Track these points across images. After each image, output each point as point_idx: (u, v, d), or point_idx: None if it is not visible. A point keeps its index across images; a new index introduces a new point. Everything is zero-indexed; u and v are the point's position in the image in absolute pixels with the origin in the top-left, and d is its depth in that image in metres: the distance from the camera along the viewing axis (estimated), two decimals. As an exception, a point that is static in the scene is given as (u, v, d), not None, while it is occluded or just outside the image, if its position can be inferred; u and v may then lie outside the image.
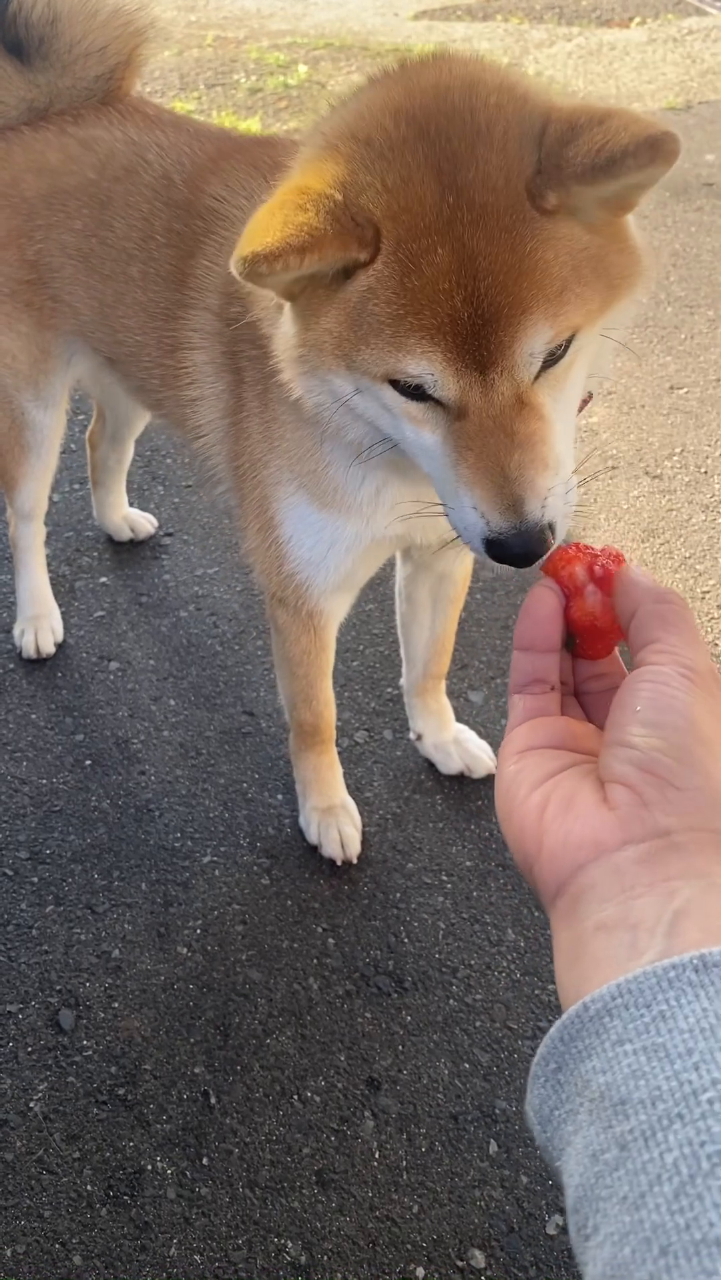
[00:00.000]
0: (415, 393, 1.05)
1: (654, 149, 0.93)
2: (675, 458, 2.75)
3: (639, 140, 0.93)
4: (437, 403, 1.04)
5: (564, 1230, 1.38)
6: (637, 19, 6.22)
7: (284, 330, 1.16)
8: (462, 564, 1.79)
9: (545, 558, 0.85)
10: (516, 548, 1.01)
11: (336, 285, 1.05)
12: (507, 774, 0.63)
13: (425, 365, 1.01)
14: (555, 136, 0.98)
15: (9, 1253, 1.36)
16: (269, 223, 0.99)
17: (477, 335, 0.99)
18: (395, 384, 1.05)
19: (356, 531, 1.44)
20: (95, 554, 2.46)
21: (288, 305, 1.13)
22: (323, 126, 1.12)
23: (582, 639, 0.74)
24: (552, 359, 1.03)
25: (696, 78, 5.31)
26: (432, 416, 1.06)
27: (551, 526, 1.02)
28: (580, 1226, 0.46)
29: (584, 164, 0.96)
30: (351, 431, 1.20)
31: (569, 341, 1.04)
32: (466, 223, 0.98)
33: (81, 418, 2.62)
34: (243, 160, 1.57)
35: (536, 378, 1.03)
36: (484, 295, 0.98)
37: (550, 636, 0.71)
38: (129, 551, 2.47)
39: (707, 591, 2.36)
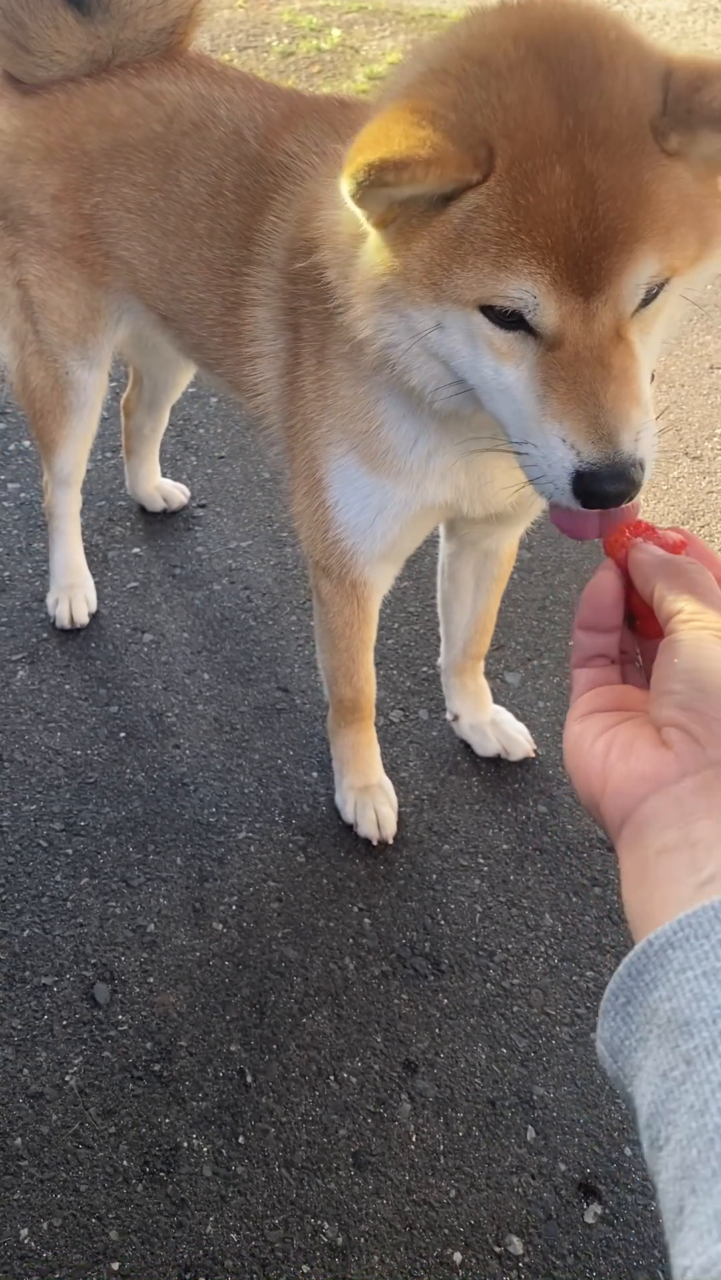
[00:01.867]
0: (508, 321, 1.02)
1: None
2: (715, 439, 2.71)
3: None
4: (529, 334, 1.02)
5: (602, 1220, 1.38)
6: (677, -12, 6.10)
7: (365, 261, 1.13)
8: (508, 542, 1.76)
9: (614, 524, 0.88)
10: (608, 481, 0.98)
11: (435, 210, 1.02)
12: (573, 732, 0.69)
13: (530, 287, 0.99)
14: (684, 81, 0.98)
15: (45, 1226, 1.35)
16: (386, 134, 0.97)
17: (589, 259, 0.97)
18: (488, 312, 1.02)
19: (405, 497, 1.42)
20: (128, 524, 2.44)
21: (373, 235, 1.10)
22: (424, 54, 1.09)
23: (643, 620, 0.76)
24: (646, 300, 1.02)
25: (737, 50, 5.20)
26: (520, 349, 1.03)
27: (642, 464, 0.99)
28: (653, 1140, 0.50)
29: (718, 110, 0.95)
30: (419, 374, 1.16)
31: (662, 286, 1.02)
32: (587, 146, 0.96)
33: (115, 385, 2.58)
34: (318, 118, 1.53)
35: (630, 317, 1.01)
36: (601, 218, 0.96)
37: (612, 619, 0.76)
38: (162, 522, 2.45)
39: (748, 576, 2.32)
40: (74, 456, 2.02)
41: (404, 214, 1.05)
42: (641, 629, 0.77)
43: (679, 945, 0.52)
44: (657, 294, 1.03)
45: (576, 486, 1.00)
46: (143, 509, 2.46)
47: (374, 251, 1.11)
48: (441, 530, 1.80)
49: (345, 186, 1.00)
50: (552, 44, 1.00)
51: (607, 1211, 1.39)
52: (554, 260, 0.97)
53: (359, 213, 1.07)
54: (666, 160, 0.99)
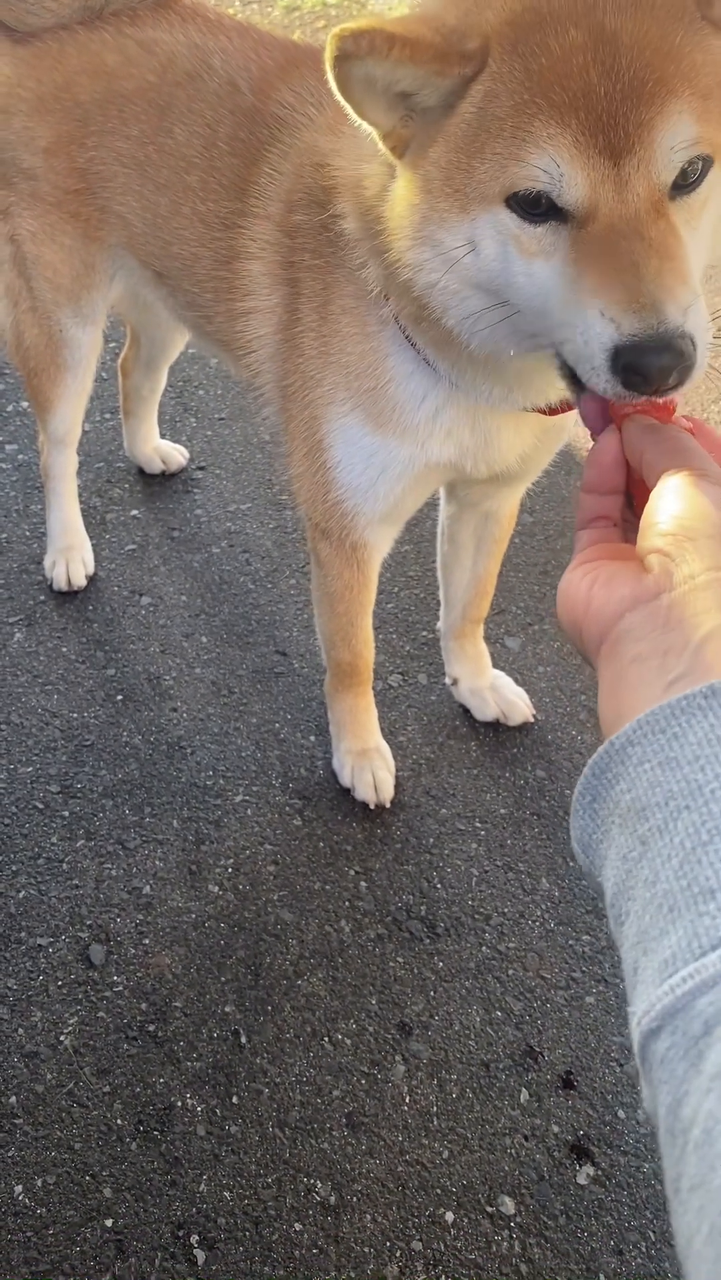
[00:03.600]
0: (534, 212, 0.95)
1: None
2: (718, 406, 2.67)
3: None
4: (560, 224, 0.95)
5: (594, 1181, 1.38)
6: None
7: (396, 193, 1.09)
8: (509, 504, 1.74)
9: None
10: (652, 354, 0.87)
11: (444, 119, 0.98)
12: (566, 578, 0.71)
13: (552, 151, 0.91)
14: None
15: (40, 1183, 1.36)
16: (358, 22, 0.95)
17: (614, 114, 0.89)
18: (513, 205, 0.96)
19: (410, 455, 1.39)
20: (126, 486, 2.42)
21: (397, 166, 1.06)
22: None
23: (640, 499, 0.75)
24: (686, 186, 0.94)
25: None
26: (550, 241, 0.96)
27: (691, 338, 0.88)
28: (616, 917, 0.54)
29: None
30: (456, 311, 1.09)
31: (705, 170, 0.94)
32: (610, 9, 0.91)
33: (113, 345, 2.55)
34: (313, 68, 1.49)
35: (671, 199, 0.93)
36: (625, 69, 0.89)
37: (614, 480, 0.77)
38: (160, 484, 2.43)
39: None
40: (69, 416, 1.99)
41: (418, 132, 1.01)
42: (638, 508, 0.75)
43: (637, 741, 0.55)
44: (700, 181, 0.95)
45: (616, 362, 0.89)
46: (141, 471, 2.44)
47: (400, 183, 1.07)
48: (441, 493, 1.77)
49: (330, 80, 0.97)
50: None
51: (600, 1173, 1.39)
52: (574, 118, 0.90)
53: (365, 127, 1.03)
54: (708, 31, 0.93)
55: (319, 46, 1.61)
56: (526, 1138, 1.42)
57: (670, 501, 0.67)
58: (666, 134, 0.90)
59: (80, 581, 2.14)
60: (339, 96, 0.99)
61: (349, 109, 1.00)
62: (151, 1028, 1.51)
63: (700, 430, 0.76)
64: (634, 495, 0.77)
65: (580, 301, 0.93)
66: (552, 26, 0.91)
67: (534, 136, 0.92)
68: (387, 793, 1.79)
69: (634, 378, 0.88)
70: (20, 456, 2.47)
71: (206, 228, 1.56)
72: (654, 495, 0.69)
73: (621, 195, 0.91)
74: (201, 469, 2.47)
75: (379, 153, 1.11)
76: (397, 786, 1.81)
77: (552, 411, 1.31)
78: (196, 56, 1.59)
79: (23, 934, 1.61)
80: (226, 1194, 1.36)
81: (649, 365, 0.87)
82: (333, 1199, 1.36)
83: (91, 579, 2.17)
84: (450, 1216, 1.35)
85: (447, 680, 1.96)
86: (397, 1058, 1.49)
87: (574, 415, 1.39)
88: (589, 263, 0.93)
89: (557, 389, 1.23)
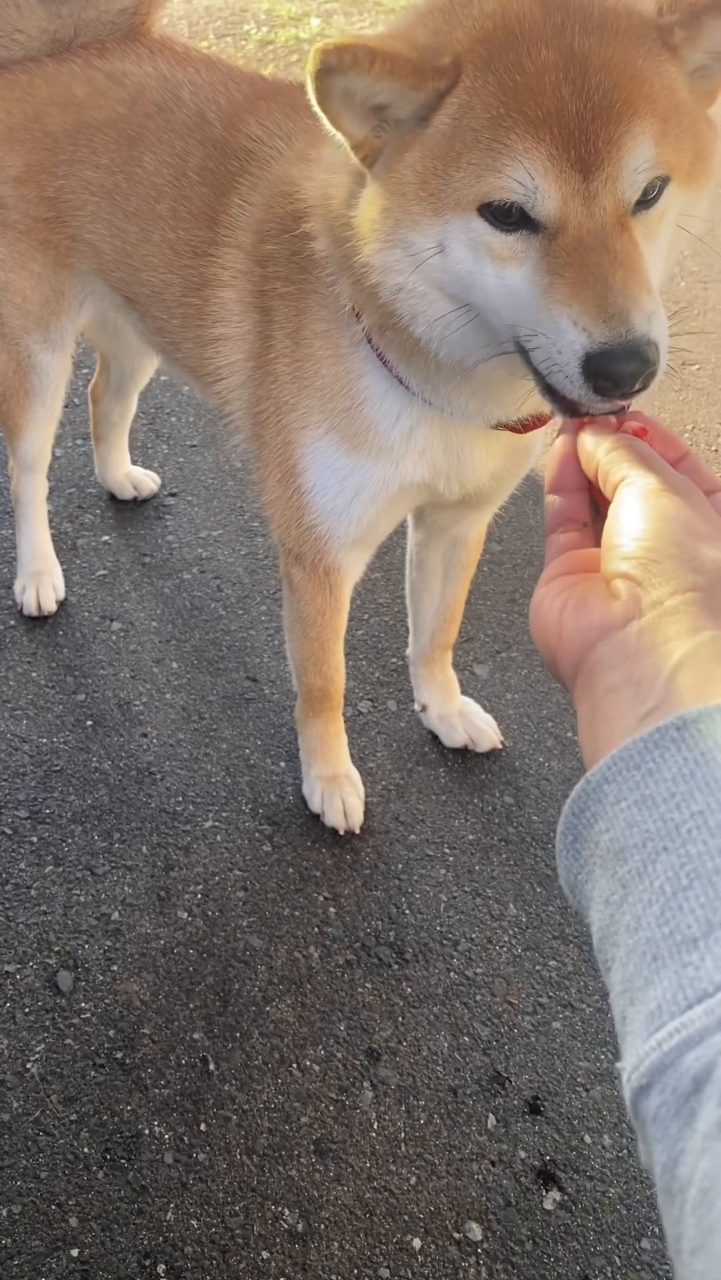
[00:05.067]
0: (506, 221, 1.00)
1: None
2: (687, 435, 2.72)
3: None
4: (530, 231, 1.00)
5: (561, 1206, 1.39)
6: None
7: (365, 199, 1.12)
8: (476, 529, 1.77)
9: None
10: (622, 360, 0.93)
11: (419, 130, 1.03)
12: (539, 595, 0.71)
13: (526, 165, 0.96)
14: None
15: (4, 1212, 1.35)
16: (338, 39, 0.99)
17: (585, 131, 0.95)
18: (486, 213, 1.01)
19: (384, 476, 1.41)
20: (98, 511, 2.43)
21: (367, 174, 1.10)
22: (415, 5, 1.12)
23: (602, 504, 0.76)
24: (646, 201, 1.00)
25: None
26: (522, 249, 1.01)
27: (656, 345, 0.94)
28: (604, 962, 0.53)
29: None
30: (424, 316, 1.13)
31: (662, 188, 1.01)
32: (578, 32, 0.96)
33: (85, 371, 2.57)
34: (281, 102, 1.53)
35: (633, 214, 0.99)
36: (594, 90, 0.94)
37: (577, 476, 0.78)
38: (132, 510, 2.43)
39: (715, 571, 2.34)
40: (38, 441, 2.00)
41: (391, 141, 1.05)
42: (603, 514, 0.76)
43: (612, 779, 0.55)
44: (658, 197, 1.01)
45: (587, 369, 0.95)
46: (113, 496, 2.45)
47: (370, 189, 1.11)
48: (409, 520, 1.80)
49: (309, 93, 1.00)
50: None
51: (566, 1198, 1.40)
52: (548, 133, 0.95)
53: (339, 138, 1.06)
54: (665, 56, 0.99)
55: (285, 82, 1.65)
56: (493, 1163, 1.42)
57: (629, 520, 0.67)
58: (632, 153, 0.96)
59: (50, 607, 2.14)
60: (316, 108, 1.02)
61: (325, 120, 1.04)
62: (119, 1055, 1.50)
63: (651, 429, 0.77)
64: (597, 500, 0.78)
65: (552, 310, 0.98)
66: (525, 46, 0.96)
67: (510, 149, 0.97)
68: (357, 819, 1.80)
69: (604, 383, 0.95)
70: (-9, 481, 2.47)
71: (176, 255, 1.58)
72: (612, 511, 0.69)
73: (590, 209, 0.97)
74: (173, 495, 2.48)
75: (347, 163, 1.16)
76: (367, 812, 1.82)
77: (524, 428, 1.34)
78: (165, 88, 1.62)
79: (-11, 961, 1.60)
80: (194, 1222, 1.35)
81: (619, 371, 0.94)
82: (300, 1226, 1.36)
83: (62, 604, 2.17)
84: (417, 1243, 1.35)
85: (417, 707, 1.98)
86: (365, 1084, 1.49)
87: (541, 435, 1.42)
88: (559, 273, 0.98)
89: (529, 404, 1.26)
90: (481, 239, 1.02)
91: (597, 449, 0.76)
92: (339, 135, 1.06)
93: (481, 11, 1.00)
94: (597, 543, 0.75)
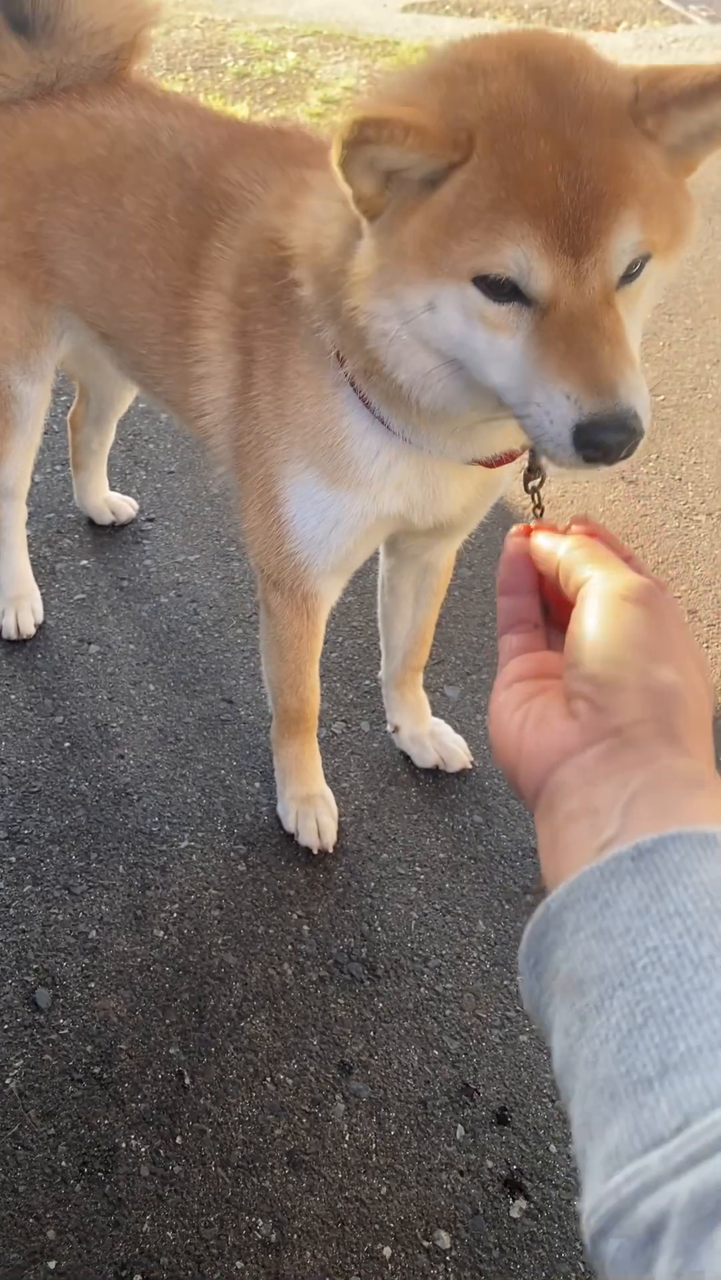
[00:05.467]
0: (500, 292, 1.07)
1: None
2: (650, 464, 2.80)
3: None
4: (522, 304, 1.07)
5: (527, 1214, 1.43)
6: (625, 24, 6.27)
7: (362, 252, 1.18)
8: (446, 555, 1.82)
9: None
10: (610, 431, 1.02)
11: (425, 193, 1.09)
12: (496, 702, 0.72)
13: (524, 249, 1.04)
14: (649, 75, 1.08)
15: (-17, 1226, 1.37)
16: (373, 107, 1.05)
17: (577, 220, 1.02)
18: (481, 284, 1.07)
19: (362, 508, 1.47)
20: (76, 536, 2.47)
21: (366, 227, 1.16)
22: (413, 68, 1.18)
23: (557, 608, 0.78)
24: (629, 275, 1.08)
25: (680, 86, 5.36)
26: (514, 320, 1.08)
27: (640, 417, 1.03)
28: (564, 1092, 0.54)
29: (686, 88, 1.05)
30: (408, 366, 1.20)
31: (644, 264, 1.09)
32: (569, 124, 1.04)
33: (64, 399, 2.62)
34: (258, 148, 1.58)
35: (616, 289, 1.07)
36: (586, 182, 1.02)
37: (528, 579, 0.79)
38: (110, 535, 2.48)
39: (679, 596, 2.41)
40: (18, 469, 2.05)
41: (395, 201, 1.11)
42: (555, 619, 0.78)
43: (570, 907, 0.56)
44: (639, 272, 1.09)
45: (578, 439, 1.04)
46: (91, 522, 2.49)
47: (368, 243, 1.16)
48: (382, 546, 1.85)
49: (334, 153, 1.05)
50: (531, 53, 1.09)
51: (532, 1206, 1.44)
52: (544, 221, 1.03)
53: (348, 192, 1.11)
54: (645, 141, 1.07)
55: (261, 127, 1.71)
56: (462, 1173, 1.46)
57: (591, 634, 0.66)
58: (619, 239, 1.04)
59: (29, 630, 2.18)
60: (335, 166, 1.08)
61: (339, 175, 1.10)
62: (97, 1070, 1.53)
63: (599, 533, 0.78)
64: (550, 603, 0.79)
65: (544, 382, 1.06)
66: (525, 134, 1.04)
67: (509, 233, 1.04)
68: (331, 838, 1.84)
69: (593, 452, 1.04)
70: (-29, 506, 2.50)
71: (156, 294, 1.63)
72: (575, 616, 0.69)
73: (580, 289, 1.05)
74: (151, 520, 2.53)
75: (339, 217, 1.22)
76: (340, 832, 1.86)
77: (496, 463, 1.40)
78: (145, 132, 1.67)
79: (-32, 978, 1.63)
80: (169, 1233, 1.38)
81: (607, 441, 1.03)
82: (274, 1236, 1.39)
83: (40, 628, 2.21)
84: (388, 1251, 1.39)
85: (389, 728, 2.03)
86: (338, 1096, 1.53)
87: (511, 468, 1.48)
88: (550, 346, 1.05)
89: (502, 440, 1.33)
90: (474, 306, 1.09)
91: (557, 548, 0.76)
92: (347, 189, 1.12)
93: (486, 92, 1.06)
94: (549, 644, 0.77)
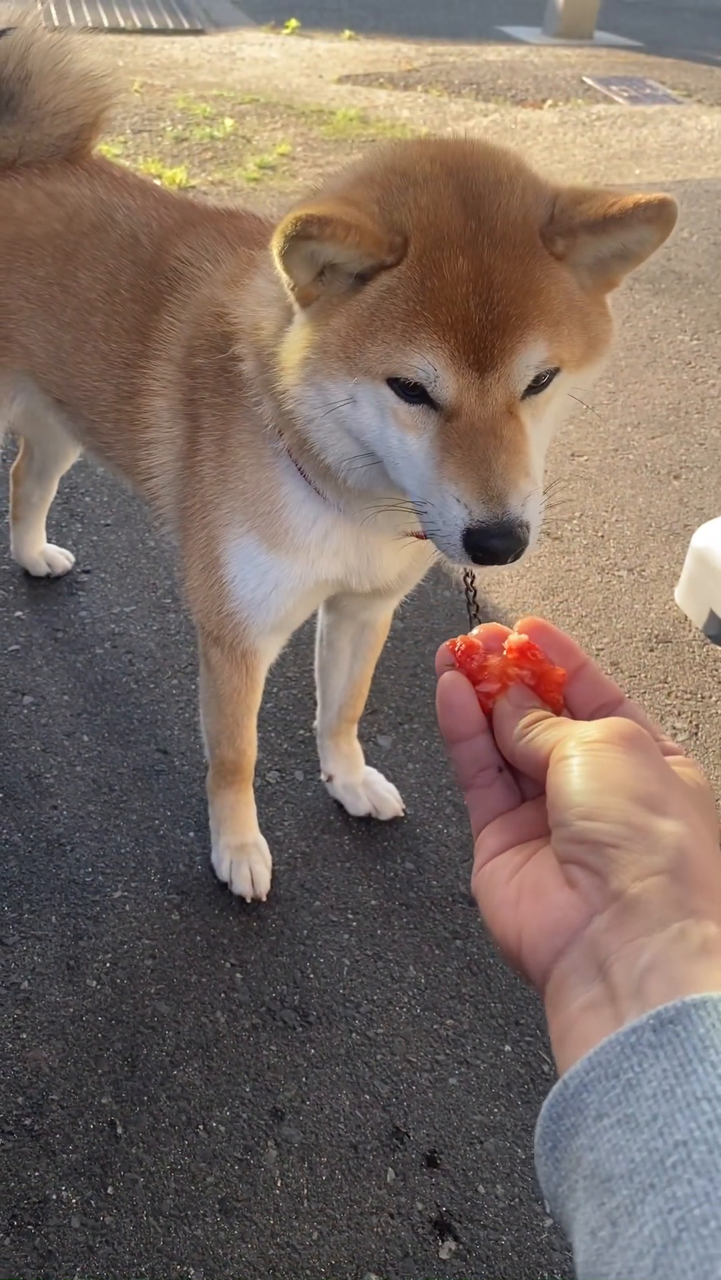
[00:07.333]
0: (411, 394, 1.13)
1: (660, 208, 1.12)
2: (574, 521, 2.91)
3: (647, 201, 1.11)
4: (431, 407, 1.13)
5: (456, 1255, 1.45)
6: (550, 101, 6.56)
7: (292, 337, 1.24)
8: (384, 614, 1.88)
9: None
10: (496, 538, 1.09)
11: (352, 292, 1.15)
12: (482, 878, 0.67)
13: (431, 359, 1.10)
14: (568, 199, 1.15)
15: None
16: (317, 203, 1.11)
17: (484, 339, 1.10)
18: (394, 384, 1.14)
19: (300, 573, 1.52)
20: (11, 588, 2.48)
21: (298, 315, 1.22)
22: (354, 167, 1.26)
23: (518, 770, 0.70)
24: (537, 387, 1.14)
25: (603, 161, 5.61)
26: (422, 421, 1.14)
27: (527, 525, 1.10)
28: None
29: (596, 216, 1.12)
30: (334, 450, 1.27)
31: (552, 375, 1.15)
32: (486, 244, 1.11)
33: (4, 452, 2.64)
34: (208, 228, 1.66)
35: (522, 399, 1.13)
36: (496, 304, 1.09)
37: (473, 719, 0.72)
38: (45, 587, 2.50)
39: (601, 649, 2.49)
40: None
41: (326, 293, 1.18)
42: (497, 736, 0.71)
43: (591, 1087, 0.52)
44: (548, 384, 1.16)
45: (467, 542, 1.11)
46: (26, 573, 2.51)
47: (298, 329, 1.23)
48: (321, 605, 1.91)
49: (274, 243, 1.12)
50: (462, 167, 1.17)
51: (461, 1247, 1.46)
52: (453, 337, 1.10)
53: (285, 279, 1.18)
54: (555, 264, 1.15)
55: (211, 208, 1.78)
56: (392, 1216, 1.48)
57: (577, 790, 0.61)
58: (523, 358, 1.12)
59: (-36, 681, 2.19)
60: (275, 257, 1.15)
61: (278, 265, 1.16)
62: (28, 1121, 1.53)
63: (547, 635, 0.72)
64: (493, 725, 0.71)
65: (441, 484, 1.13)
66: (446, 250, 1.11)
67: (419, 343, 1.11)
68: (264, 886, 1.87)
69: (480, 554, 1.11)
70: None
71: (109, 365, 1.69)
72: (554, 774, 0.63)
73: (483, 400, 1.12)
74: (87, 573, 2.55)
75: (278, 299, 1.29)
76: (274, 880, 1.89)
77: (426, 536, 1.46)
78: (101, 210, 1.74)
79: None
80: (100, 1285, 1.38)
81: (493, 547, 1.10)
82: (205, 1285, 1.39)
83: (-25, 678, 2.22)
84: (319, 1297, 1.40)
85: (323, 777, 2.07)
86: (270, 1143, 1.54)
87: None
88: (450, 451, 1.12)
89: None
90: (388, 404, 1.16)
91: (513, 739, 0.69)
92: (286, 277, 1.18)
93: (416, 203, 1.14)
94: (517, 789, 0.71)
